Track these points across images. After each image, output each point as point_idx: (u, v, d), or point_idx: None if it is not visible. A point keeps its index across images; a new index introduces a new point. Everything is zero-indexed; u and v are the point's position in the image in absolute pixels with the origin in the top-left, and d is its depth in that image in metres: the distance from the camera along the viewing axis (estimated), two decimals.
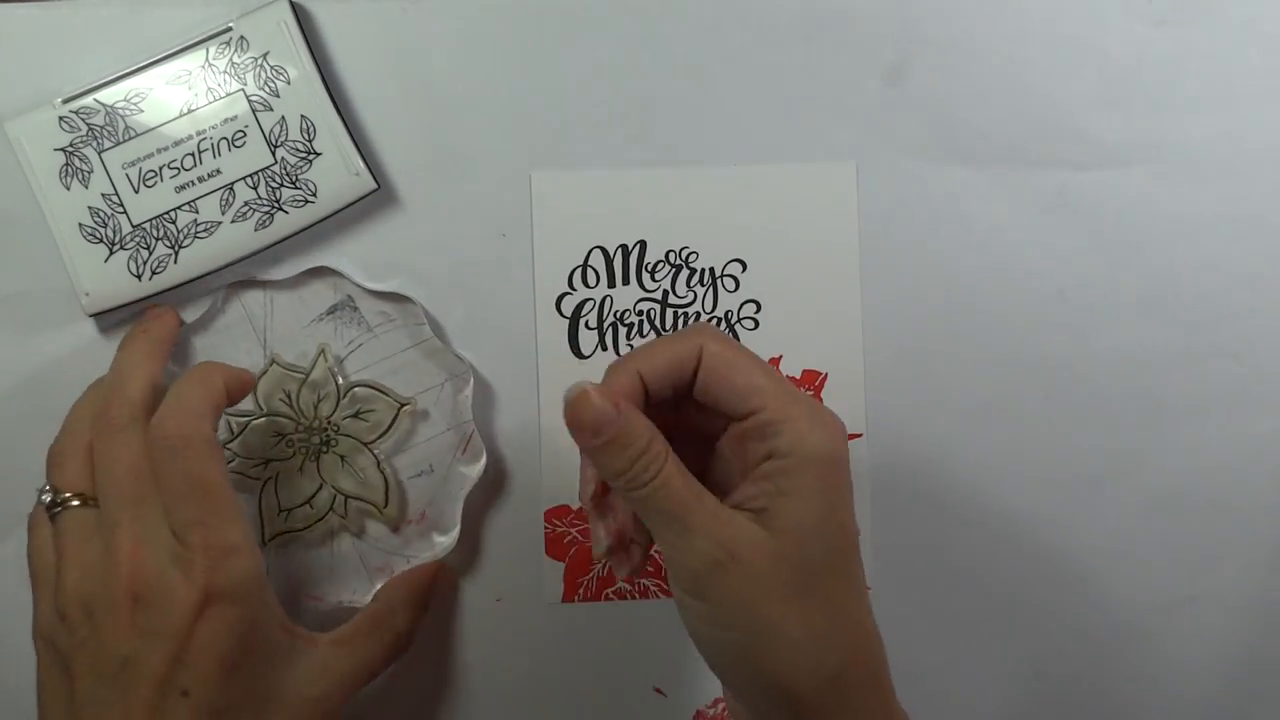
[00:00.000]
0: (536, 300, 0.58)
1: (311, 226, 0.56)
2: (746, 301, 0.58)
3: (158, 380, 0.52)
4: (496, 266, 0.58)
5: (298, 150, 0.56)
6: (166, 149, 0.56)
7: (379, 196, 0.57)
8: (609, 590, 0.59)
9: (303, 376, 0.56)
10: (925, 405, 0.59)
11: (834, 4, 0.58)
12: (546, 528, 0.59)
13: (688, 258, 0.58)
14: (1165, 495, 0.59)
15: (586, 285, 0.58)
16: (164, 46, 0.56)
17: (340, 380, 0.57)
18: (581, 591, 0.59)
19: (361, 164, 0.56)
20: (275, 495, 0.56)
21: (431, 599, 0.57)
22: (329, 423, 0.56)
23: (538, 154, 0.58)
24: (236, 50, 0.56)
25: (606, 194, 0.58)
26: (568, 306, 0.58)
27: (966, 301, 0.59)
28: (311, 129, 0.56)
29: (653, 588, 0.59)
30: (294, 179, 0.56)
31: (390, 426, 0.57)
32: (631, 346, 0.58)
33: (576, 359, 0.58)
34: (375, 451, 0.57)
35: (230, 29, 0.56)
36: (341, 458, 0.56)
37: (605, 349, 0.58)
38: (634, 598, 0.59)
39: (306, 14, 0.57)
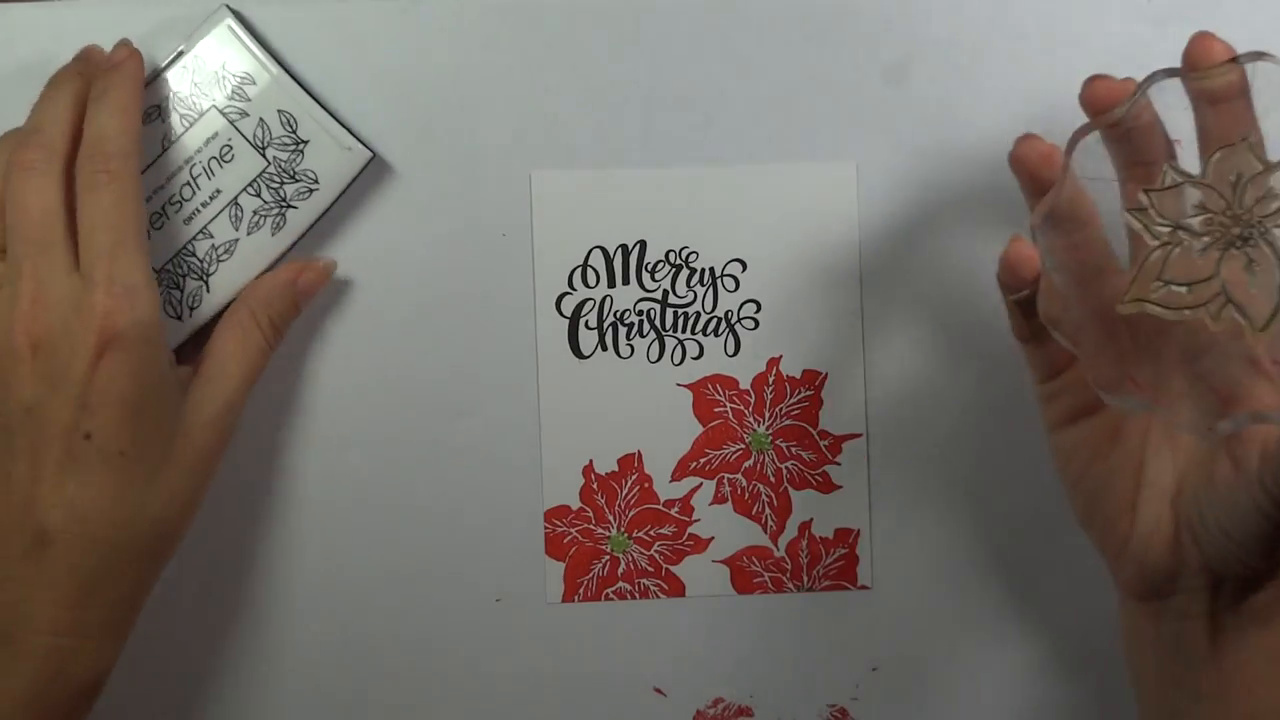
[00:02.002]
0: (536, 300, 0.58)
1: (326, 212, 0.56)
2: (746, 301, 0.58)
3: (78, 121, 0.52)
4: (496, 266, 0.58)
5: (286, 145, 0.56)
6: (162, 187, 0.56)
7: (379, 196, 0.57)
8: (609, 590, 0.59)
9: (1261, 167, 0.49)
10: (925, 405, 0.59)
11: (834, 4, 0.58)
12: (546, 528, 0.59)
13: (688, 258, 0.58)
14: None
15: (586, 285, 0.58)
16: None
17: None
18: (581, 591, 0.59)
19: (350, 138, 0.56)
20: (1163, 264, 0.49)
21: (302, 298, 0.56)
22: (1257, 221, 0.49)
23: (538, 154, 0.58)
24: (194, 71, 0.55)
25: (606, 194, 0.58)
26: (568, 306, 0.58)
27: (967, 301, 0.59)
28: (292, 121, 0.56)
29: (653, 588, 0.59)
30: (292, 173, 0.56)
31: None
32: (632, 347, 0.58)
33: (576, 359, 0.58)
34: None
35: (181, 52, 0.55)
36: (1250, 260, 0.49)
37: (605, 349, 0.58)
38: (634, 598, 0.59)
39: (248, 11, 0.57)
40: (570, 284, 0.58)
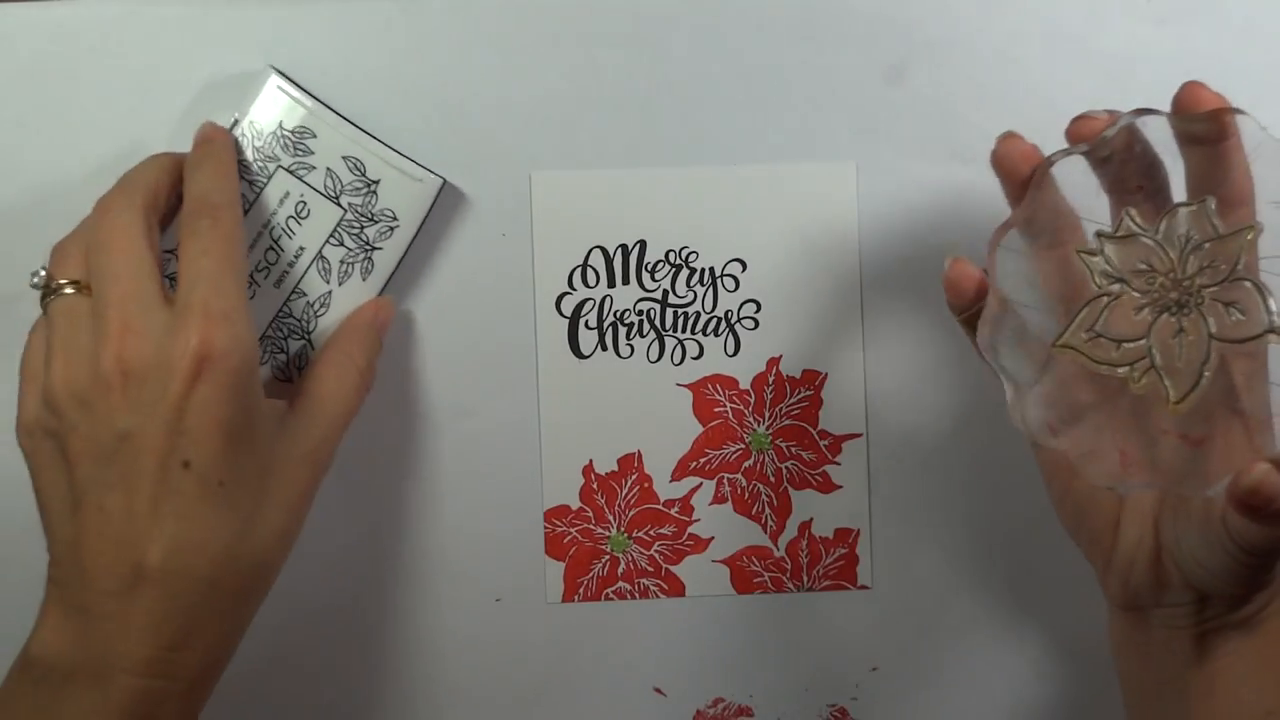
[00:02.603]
0: (536, 300, 0.58)
1: (411, 246, 0.56)
2: (746, 301, 0.58)
3: (166, 181, 0.52)
4: (496, 266, 0.58)
5: (358, 189, 0.56)
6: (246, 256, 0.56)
7: None
8: (609, 590, 0.59)
9: (1215, 234, 0.48)
10: (925, 405, 0.59)
11: (834, 4, 0.58)
12: (546, 528, 0.59)
13: (688, 257, 0.58)
14: None
15: (586, 285, 0.58)
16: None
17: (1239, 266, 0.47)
18: (581, 591, 0.59)
19: (419, 168, 0.56)
20: (1099, 315, 0.49)
21: (382, 332, 0.56)
22: (1196, 290, 0.48)
23: (538, 154, 0.58)
24: (253, 137, 0.55)
25: (606, 194, 0.58)
26: (568, 306, 0.58)
27: None
28: (359, 164, 0.56)
29: (653, 588, 0.59)
30: (370, 215, 0.56)
31: (1253, 337, 0.47)
32: (632, 347, 0.58)
33: (576, 358, 0.58)
34: (1211, 348, 0.48)
35: (236, 120, 0.55)
36: (1182, 329, 0.48)
37: (605, 349, 0.58)
38: (634, 598, 0.59)
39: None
40: (570, 284, 0.58)
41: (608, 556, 0.59)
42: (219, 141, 0.54)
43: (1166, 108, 0.47)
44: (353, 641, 0.59)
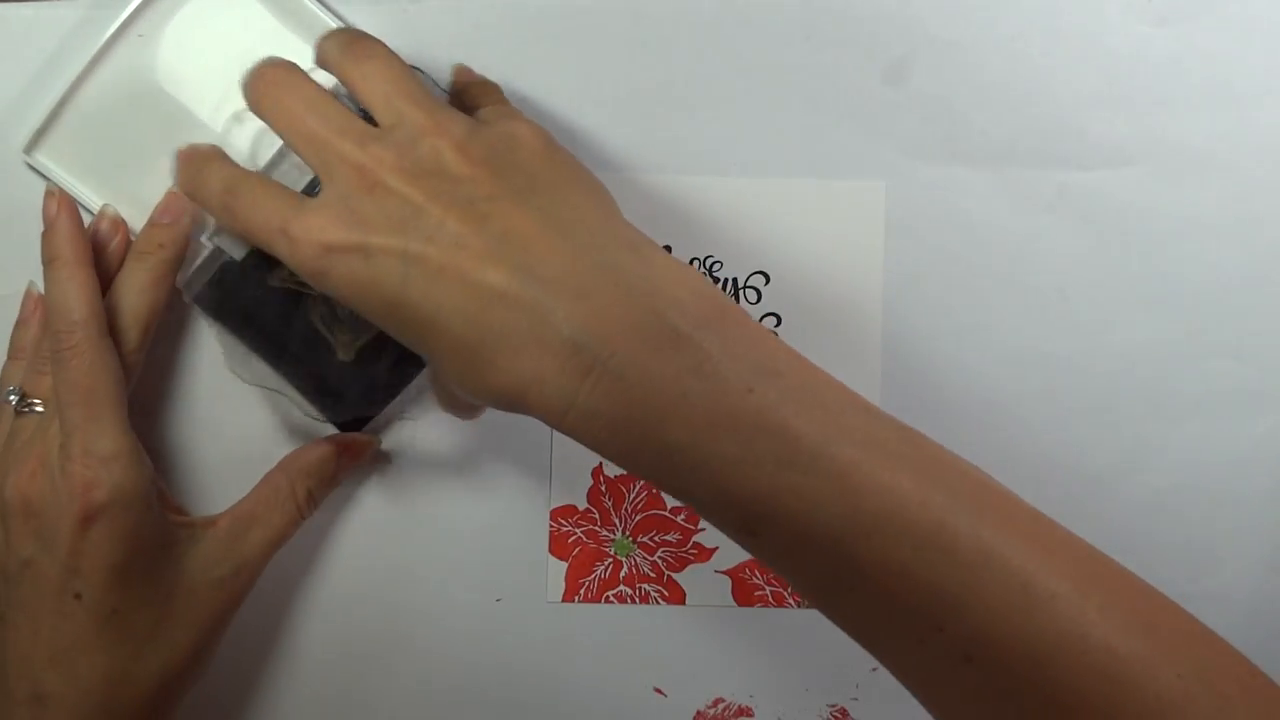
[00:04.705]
0: None
1: None
2: (767, 314, 0.58)
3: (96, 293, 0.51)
4: None
5: None
6: None
7: None
8: (610, 593, 0.59)
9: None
10: (925, 405, 0.59)
11: (834, 4, 0.57)
12: (552, 526, 0.59)
13: (711, 266, 0.58)
14: (1165, 495, 0.59)
15: None
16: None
17: None
18: (582, 592, 0.59)
19: None
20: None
21: (343, 472, 0.56)
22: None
23: None
24: None
25: (634, 198, 0.57)
26: None
27: (966, 301, 0.59)
28: None
29: (653, 593, 0.59)
30: None
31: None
32: None
33: None
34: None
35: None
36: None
37: None
38: (634, 602, 0.59)
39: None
40: None
41: (611, 559, 0.59)
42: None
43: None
44: (352, 640, 0.59)
